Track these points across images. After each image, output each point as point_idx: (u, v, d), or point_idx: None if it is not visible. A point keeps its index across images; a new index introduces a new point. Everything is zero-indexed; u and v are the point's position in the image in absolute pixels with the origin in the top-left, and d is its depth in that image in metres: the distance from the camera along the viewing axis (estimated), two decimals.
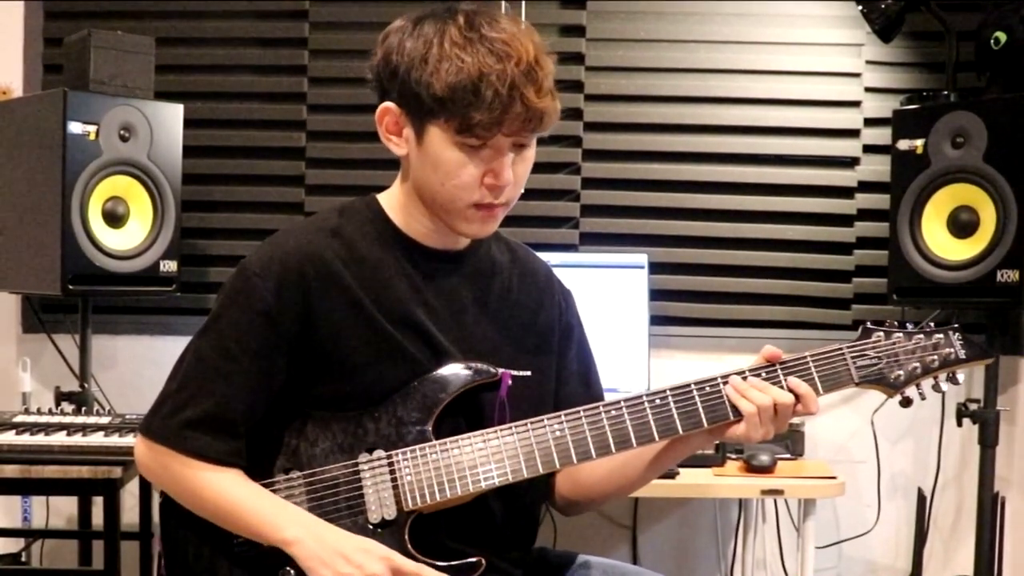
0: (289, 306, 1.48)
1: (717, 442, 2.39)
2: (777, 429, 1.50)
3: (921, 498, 2.92)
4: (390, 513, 1.49)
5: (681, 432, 1.49)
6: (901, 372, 1.52)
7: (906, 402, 1.52)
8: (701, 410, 1.49)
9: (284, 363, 1.50)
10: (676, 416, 1.49)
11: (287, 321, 1.48)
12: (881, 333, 1.53)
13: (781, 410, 1.48)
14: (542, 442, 1.49)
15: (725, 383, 1.50)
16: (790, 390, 1.49)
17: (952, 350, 1.53)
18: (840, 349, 1.52)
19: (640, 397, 1.50)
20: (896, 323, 1.55)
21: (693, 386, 1.50)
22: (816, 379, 1.50)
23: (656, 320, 2.98)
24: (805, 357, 1.51)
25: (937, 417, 2.98)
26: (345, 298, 1.50)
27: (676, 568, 3.14)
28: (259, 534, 1.46)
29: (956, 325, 1.56)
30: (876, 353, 1.52)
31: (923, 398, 1.55)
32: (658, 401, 1.49)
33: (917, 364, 1.52)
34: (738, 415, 1.48)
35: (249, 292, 1.49)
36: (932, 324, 1.56)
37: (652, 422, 1.49)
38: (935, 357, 1.53)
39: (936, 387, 1.56)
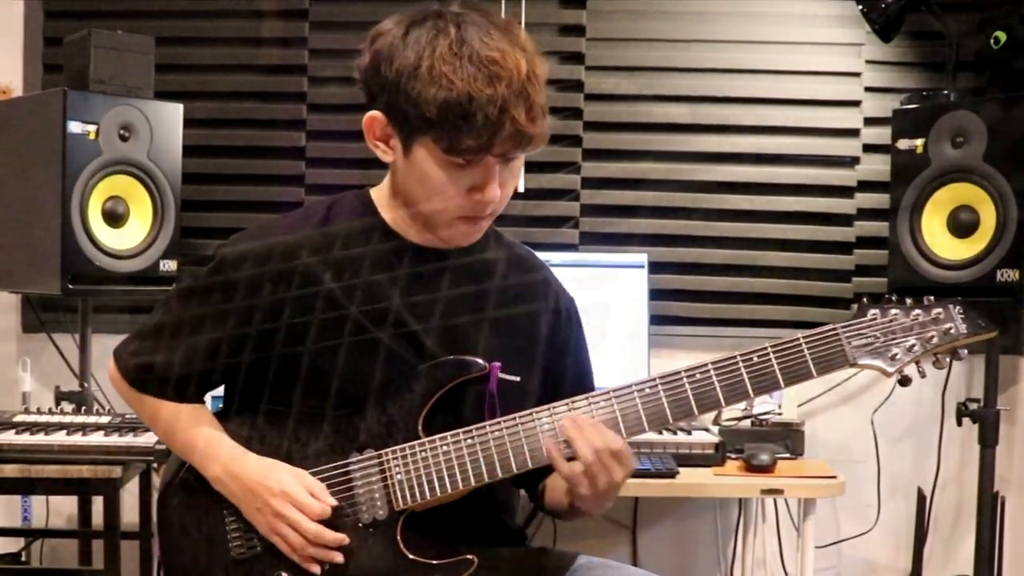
0: (260, 299, 1.50)
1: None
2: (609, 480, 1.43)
3: (921, 498, 2.92)
4: (381, 513, 1.48)
5: (671, 420, 1.46)
6: (898, 350, 1.45)
7: (904, 381, 1.47)
8: (691, 398, 1.45)
9: (251, 349, 1.52)
10: (666, 405, 1.46)
11: (256, 313, 1.50)
12: (877, 310, 1.47)
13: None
14: (531, 436, 1.47)
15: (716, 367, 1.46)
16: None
17: (952, 325, 1.46)
18: (834, 328, 1.46)
19: (630, 387, 1.47)
20: (894, 299, 1.49)
21: (683, 374, 1.47)
22: (809, 361, 1.44)
23: (656, 320, 2.98)
24: (798, 339, 1.46)
25: (937, 417, 2.99)
26: (321, 293, 1.50)
27: (676, 568, 3.13)
28: (196, 467, 1.54)
29: (958, 298, 1.50)
30: (872, 331, 1.46)
31: (923, 375, 1.49)
32: (647, 390, 1.47)
33: (915, 341, 1.45)
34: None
35: (222, 281, 1.52)
36: (932, 298, 1.49)
37: (642, 412, 1.46)
38: (934, 333, 1.46)
39: (938, 364, 1.49)
